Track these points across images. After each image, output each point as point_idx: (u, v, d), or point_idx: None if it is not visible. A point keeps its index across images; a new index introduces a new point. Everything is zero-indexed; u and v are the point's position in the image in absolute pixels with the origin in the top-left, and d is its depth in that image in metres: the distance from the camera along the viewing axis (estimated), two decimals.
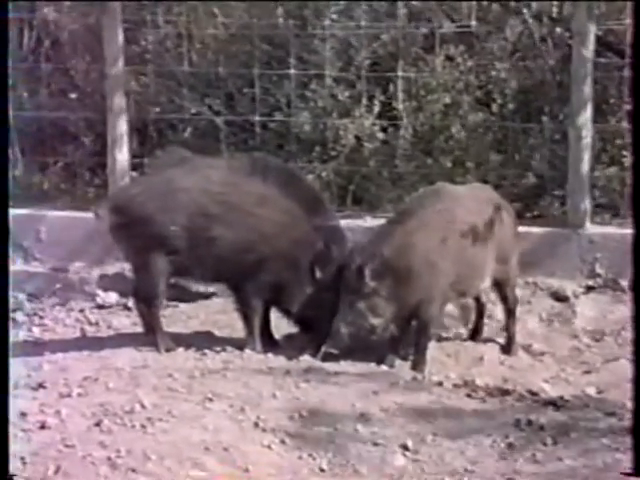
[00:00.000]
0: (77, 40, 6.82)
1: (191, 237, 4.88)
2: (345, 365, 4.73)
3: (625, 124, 6.01)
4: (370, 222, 5.77)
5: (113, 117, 6.07)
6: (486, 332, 5.35)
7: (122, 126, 6.08)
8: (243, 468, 3.76)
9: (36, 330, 5.56)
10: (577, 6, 5.71)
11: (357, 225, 5.73)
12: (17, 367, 4.62)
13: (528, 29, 6.25)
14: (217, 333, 5.29)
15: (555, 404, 4.36)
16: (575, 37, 5.75)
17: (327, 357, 4.79)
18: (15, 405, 4.00)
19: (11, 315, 5.63)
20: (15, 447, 3.69)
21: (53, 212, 6.11)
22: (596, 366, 5.06)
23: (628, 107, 5.99)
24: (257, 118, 6.26)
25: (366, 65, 6.25)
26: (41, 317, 5.72)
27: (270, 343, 5.07)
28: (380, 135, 6.20)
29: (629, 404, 4.34)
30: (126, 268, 5.61)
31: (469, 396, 4.45)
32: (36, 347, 5.13)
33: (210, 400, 4.21)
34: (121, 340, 5.11)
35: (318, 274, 4.94)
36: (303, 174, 5.71)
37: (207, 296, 5.69)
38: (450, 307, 5.25)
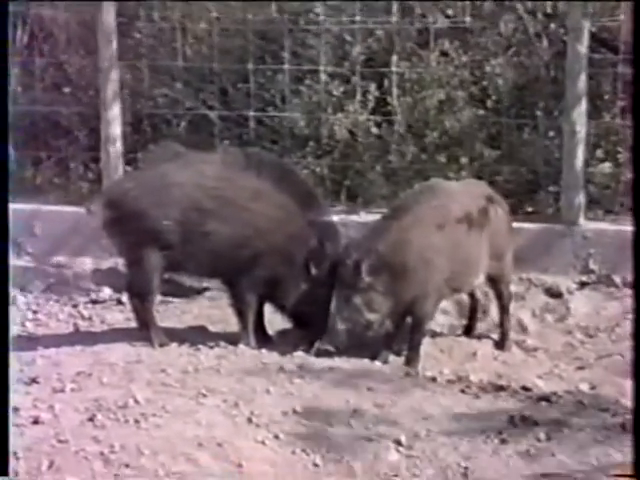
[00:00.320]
0: (71, 34, 6.80)
1: (185, 232, 4.87)
2: (339, 361, 4.72)
3: (619, 120, 6.01)
4: (364, 217, 5.77)
5: (107, 112, 6.06)
6: (480, 328, 5.35)
7: (116, 121, 6.07)
8: (237, 463, 3.77)
9: (29, 325, 5.55)
10: (571, 3, 5.71)
11: (351, 220, 5.73)
12: (10, 362, 4.61)
13: (523, 25, 6.24)
14: (211, 328, 5.28)
15: (548, 400, 4.37)
16: (569, 33, 5.75)
17: (321, 353, 4.79)
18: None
19: None
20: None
21: (46, 207, 6.09)
22: (590, 362, 5.07)
23: (622, 103, 6.00)
24: (251, 113, 6.25)
25: (360, 60, 6.24)
26: (34, 312, 5.71)
27: (264, 339, 5.06)
28: (374, 130, 6.19)
29: (622, 400, 4.36)
30: (119, 263, 5.60)
31: (463, 392, 4.45)
32: (29, 342, 5.12)
33: (204, 395, 4.21)
34: (115, 335, 5.11)
35: (313, 270, 4.93)
36: (297, 169, 5.71)
37: (200, 291, 5.69)
38: (444, 303, 5.25)
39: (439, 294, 4.90)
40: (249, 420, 4.06)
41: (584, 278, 5.62)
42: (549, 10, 6.14)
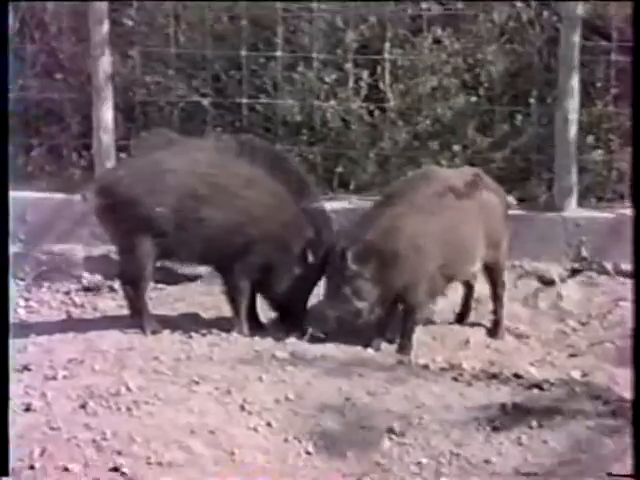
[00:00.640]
0: (62, 21, 6.77)
1: (179, 219, 4.86)
2: (331, 349, 4.72)
3: (612, 107, 6.01)
4: (356, 204, 5.76)
5: (99, 99, 6.04)
6: (472, 315, 5.35)
7: (108, 108, 6.05)
8: (229, 451, 3.77)
9: (21, 312, 5.54)
10: None
11: (342, 207, 5.72)
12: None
13: (516, 12, 6.23)
14: (203, 316, 5.27)
15: (541, 387, 4.38)
16: (562, 21, 5.75)
17: (313, 340, 4.79)
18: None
19: None
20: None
21: (38, 194, 6.07)
22: (582, 349, 5.07)
23: (615, 91, 5.99)
24: (244, 100, 6.23)
25: (353, 47, 6.22)
26: (26, 299, 5.70)
27: (256, 326, 5.06)
28: (367, 117, 6.18)
29: (614, 387, 4.37)
30: (111, 250, 5.59)
31: (455, 379, 4.46)
32: (21, 329, 5.10)
33: (196, 383, 4.21)
34: (107, 322, 5.10)
35: (310, 258, 4.93)
36: (290, 156, 5.70)
37: (193, 278, 5.68)
38: None
39: (432, 282, 4.89)
40: (241, 408, 4.07)
41: (576, 265, 5.63)
42: None
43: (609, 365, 4.74)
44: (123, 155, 6.12)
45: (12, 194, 5.91)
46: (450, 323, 5.29)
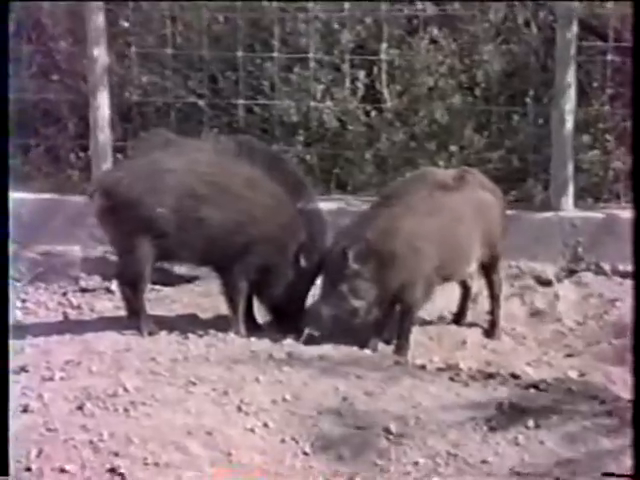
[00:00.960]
0: (59, 21, 6.77)
1: (179, 219, 4.86)
2: (328, 349, 4.73)
3: (608, 108, 6.01)
4: (354, 206, 5.77)
5: (95, 99, 6.04)
6: (469, 316, 5.35)
7: (104, 108, 6.05)
8: (226, 452, 3.78)
9: (18, 313, 5.54)
10: None
11: (339, 208, 5.72)
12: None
13: (512, 12, 6.24)
14: (200, 316, 5.27)
15: (537, 387, 4.38)
16: (559, 21, 5.75)
17: (310, 340, 4.79)
18: None
19: None
20: None
21: (35, 194, 6.07)
22: (578, 349, 5.08)
23: (611, 91, 6.00)
24: (240, 101, 6.24)
25: (350, 48, 6.22)
26: (23, 300, 5.70)
27: (253, 327, 5.06)
28: (363, 118, 6.19)
29: (611, 387, 4.38)
30: (109, 251, 5.60)
31: (452, 380, 4.46)
32: (18, 330, 5.10)
33: (193, 384, 4.21)
34: (104, 323, 5.10)
35: (303, 261, 4.94)
36: (286, 157, 5.70)
37: (190, 279, 5.68)
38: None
39: (428, 282, 4.89)
40: (238, 408, 4.07)
41: (573, 266, 5.64)
42: None
43: (606, 365, 4.75)
44: (120, 156, 6.12)
45: (10, 194, 5.98)
46: (447, 323, 5.30)
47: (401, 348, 4.86)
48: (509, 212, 5.40)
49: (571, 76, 5.70)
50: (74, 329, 5.00)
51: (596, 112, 6.05)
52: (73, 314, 5.49)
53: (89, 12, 6.01)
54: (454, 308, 5.33)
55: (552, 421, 4.03)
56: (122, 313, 5.13)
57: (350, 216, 5.28)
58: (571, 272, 5.62)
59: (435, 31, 6.19)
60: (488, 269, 5.17)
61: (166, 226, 4.85)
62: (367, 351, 4.80)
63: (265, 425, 3.98)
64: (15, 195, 6.00)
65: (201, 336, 4.83)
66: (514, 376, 4.55)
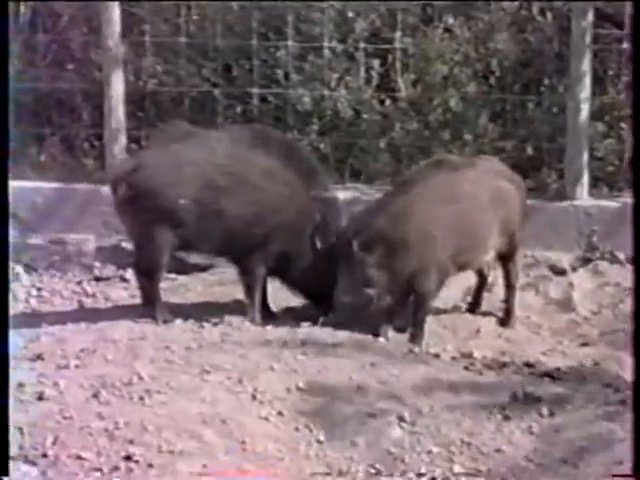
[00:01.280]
0: (74, 11, 6.78)
1: (199, 210, 4.87)
2: (343, 337, 4.73)
3: (623, 96, 5.99)
4: (368, 195, 5.76)
5: (110, 88, 6.04)
6: (483, 304, 5.35)
7: (119, 97, 6.06)
8: (240, 440, 3.79)
9: (34, 302, 5.56)
10: None
11: (353, 197, 5.72)
12: (15, 338, 4.63)
13: (527, 1, 6.21)
14: (214, 305, 5.28)
15: (552, 376, 4.38)
16: (574, 8, 5.72)
17: (325, 327, 4.81)
18: (13, 376, 4.01)
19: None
20: (13, 417, 3.71)
21: (50, 183, 6.09)
22: (593, 338, 5.07)
23: (627, 79, 5.97)
24: (255, 90, 6.23)
25: (364, 37, 6.21)
26: (39, 289, 5.72)
27: (267, 315, 5.07)
28: (378, 107, 6.18)
29: (625, 376, 4.37)
30: (123, 240, 5.61)
31: (466, 368, 4.46)
32: (34, 319, 5.13)
33: (207, 372, 4.22)
34: (118, 312, 5.12)
35: (318, 244, 4.95)
36: (301, 145, 5.71)
37: (204, 268, 5.69)
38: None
39: (443, 270, 4.88)
40: (253, 397, 4.08)
41: (588, 255, 5.62)
42: None
43: (620, 354, 4.74)
44: (134, 145, 6.13)
45: (25, 184, 6.01)
46: (461, 312, 5.29)
47: (415, 337, 4.86)
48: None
49: (586, 64, 5.67)
50: (89, 317, 5.02)
51: (611, 100, 6.02)
52: (88, 302, 5.51)
53: (104, 1, 6.01)
54: (468, 297, 5.32)
55: (566, 410, 4.02)
56: (137, 301, 5.15)
57: (364, 205, 5.28)
58: (586, 261, 5.61)
59: (450, 19, 6.17)
60: (506, 259, 5.15)
61: (186, 217, 4.86)
62: (381, 339, 4.80)
63: (279, 413, 3.99)
64: (31, 184, 6.06)
65: (216, 324, 4.85)
66: (528, 365, 4.55)
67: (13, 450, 3.59)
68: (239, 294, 5.12)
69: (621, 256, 5.56)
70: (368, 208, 4.95)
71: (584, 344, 5.01)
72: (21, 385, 4.01)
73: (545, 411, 4.02)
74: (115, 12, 6.01)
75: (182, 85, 6.39)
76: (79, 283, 5.77)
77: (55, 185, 6.07)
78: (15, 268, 5.82)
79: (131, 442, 3.69)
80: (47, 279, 5.83)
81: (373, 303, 4.82)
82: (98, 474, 3.55)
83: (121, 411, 3.86)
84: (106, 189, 5.34)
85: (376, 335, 4.81)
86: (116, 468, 3.58)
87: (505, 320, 5.20)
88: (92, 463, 3.59)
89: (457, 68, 6.15)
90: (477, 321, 5.19)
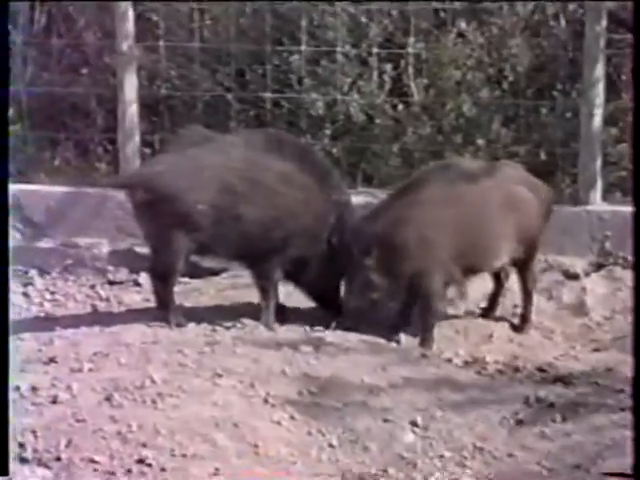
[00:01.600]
0: (88, 16, 6.81)
1: (216, 215, 4.88)
2: (355, 341, 4.73)
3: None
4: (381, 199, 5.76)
5: (123, 93, 6.07)
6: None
7: (133, 102, 6.08)
8: (252, 444, 3.79)
9: (47, 305, 5.58)
10: None
11: (366, 202, 5.72)
12: (29, 342, 4.66)
13: (540, 5, 6.21)
14: (227, 309, 5.29)
15: (564, 381, 4.37)
16: (588, 13, 5.72)
17: (338, 331, 4.82)
18: (26, 379, 4.04)
19: (22, 290, 5.67)
20: (27, 421, 3.74)
21: (64, 188, 6.11)
22: (606, 344, 5.06)
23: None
24: (268, 94, 6.25)
25: (377, 41, 6.22)
26: (52, 292, 5.74)
27: (281, 317, 5.07)
28: (390, 112, 6.18)
29: None
30: (136, 244, 5.63)
31: (479, 373, 4.46)
32: (47, 322, 5.15)
33: (220, 376, 4.23)
34: (132, 316, 5.13)
35: (334, 248, 4.97)
36: (315, 149, 5.72)
37: (217, 272, 5.70)
38: None
39: (446, 273, 4.86)
40: (265, 400, 4.08)
41: (600, 260, 5.61)
42: None
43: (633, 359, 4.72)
44: (147, 149, 6.15)
45: (39, 188, 6.03)
46: (474, 317, 5.29)
47: (425, 340, 4.85)
48: None
49: (600, 69, 5.66)
50: (102, 321, 5.03)
51: (625, 105, 6.01)
52: (101, 306, 5.52)
53: (118, 6, 6.03)
54: (481, 302, 5.32)
55: (579, 415, 4.02)
56: (150, 305, 5.16)
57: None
58: (599, 266, 5.59)
59: (463, 24, 6.17)
60: (521, 265, 5.11)
61: (203, 221, 4.87)
62: (393, 344, 4.80)
63: (291, 417, 4.00)
64: (45, 188, 6.08)
65: (228, 328, 4.86)
66: (541, 370, 4.54)
67: (27, 453, 3.62)
68: (252, 298, 5.12)
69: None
70: (369, 213, 4.95)
71: (597, 349, 5.00)
72: (35, 388, 4.03)
73: (558, 416, 4.02)
74: (129, 17, 6.04)
75: (196, 90, 6.41)
76: (92, 287, 5.79)
77: (69, 189, 6.09)
78: (29, 272, 5.85)
79: (144, 445, 3.70)
80: (61, 283, 5.85)
81: (376, 307, 4.82)
82: (111, 477, 3.56)
83: (134, 414, 3.87)
84: (120, 193, 5.37)
85: (389, 339, 4.82)
86: (129, 471, 3.58)
87: (520, 326, 5.17)
88: (105, 466, 3.59)
89: (470, 73, 6.15)
90: (489, 326, 5.18)
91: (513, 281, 5.26)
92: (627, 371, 4.54)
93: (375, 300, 4.81)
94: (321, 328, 4.85)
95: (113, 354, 4.43)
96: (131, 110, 6.08)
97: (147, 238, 5.10)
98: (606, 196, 5.79)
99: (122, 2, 6.01)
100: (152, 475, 3.57)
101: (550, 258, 5.60)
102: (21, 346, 4.49)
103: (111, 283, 5.81)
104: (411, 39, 6.14)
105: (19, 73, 6.40)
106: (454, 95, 6.14)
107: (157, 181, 4.87)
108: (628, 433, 3.84)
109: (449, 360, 4.62)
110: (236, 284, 5.47)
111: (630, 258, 5.55)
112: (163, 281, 4.97)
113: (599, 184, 5.73)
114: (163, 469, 3.60)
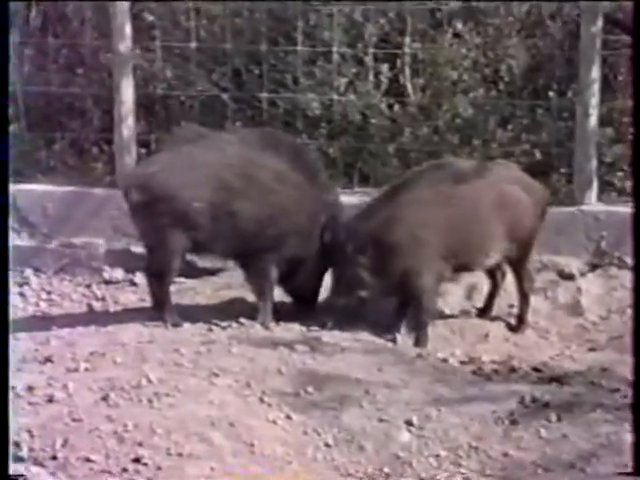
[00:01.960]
0: (84, 15, 6.80)
1: (212, 213, 4.89)
2: (351, 341, 4.74)
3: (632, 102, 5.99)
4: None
5: (120, 93, 6.06)
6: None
7: (129, 102, 6.08)
8: (248, 443, 3.79)
9: (43, 305, 5.58)
10: None
11: (362, 202, 5.72)
12: (25, 341, 4.66)
13: (536, 5, 6.22)
14: (223, 308, 5.30)
15: (560, 381, 4.38)
16: (584, 14, 5.73)
17: (332, 331, 4.83)
18: (23, 379, 4.04)
19: (19, 290, 5.67)
20: (23, 420, 3.73)
21: (60, 187, 6.11)
22: (601, 344, 5.07)
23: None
24: (264, 94, 6.25)
25: (373, 42, 6.22)
26: (48, 292, 5.74)
27: (276, 317, 5.07)
28: (387, 112, 6.19)
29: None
30: (132, 244, 5.63)
31: (474, 373, 4.46)
32: (43, 322, 5.15)
33: (216, 375, 4.23)
34: (128, 315, 5.14)
35: (326, 246, 4.99)
36: (308, 148, 5.73)
37: (213, 272, 5.71)
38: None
39: (436, 272, 4.88)
40: (261, 400, 4.09)
41: (596, 260, 5.62)
42: None
43: (628, 358, 4.73)
44: (143, 149, 6.15)
45: (34, 187, 6.03)
46: (469, 317, 5.29)
47: (420, 340, 4.87)
48: None
49: (596, 70, 5.67)
50: (98, 321, 5.04)
51: (620, 106, 6.02)
52: (98, 306, 5.53)
53: (114, 6, 6.03)
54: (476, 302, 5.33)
55: (574, 415, 4.02)
56: (146, 305, 5.17)
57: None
58: (594, 266, 5.60)
59: (459, 25, 6.18)
60: (516, 264, 5.12)
61: (199, 219, 4.88)
62: (389, 344, 4.81)
63: (287, 417, 4.00)
64: (40, 188, 6.08)
65: (224, 328, 4.86)
66: (537, 370, 4.55)
67: (23, 452, 3.61)
68: (248, 297, 5.13)
69: (629, 261, 5.56)
70: (361, 212, 4.96)
71: (592, 349, 5.01)
72: (31, 388, 4.03)
73: (553, 416, 4.02)
74: (125, 17, 6.04)
75: (192, 90, 6.41)
76: (89, 286, 5.79)
77: (65, 189, 6.09)
78: (25, 271, 5.85)
79: (140, 445, 3.70)
80: (57, 282, 5.85)
81: (365, 305, 4.84)
82: (107, 476, 3.56)
83: (130, 414, 3.87)
84: (117, 192, 5.37)
85: (385, 339, 4.82)
86: (125, 470, 3.58)
87: (517, 326, 5.18)
88: (101, 465, 3.59)
89: (466, 73, 6.16)
90: (485, 326, 5.19)
91: (509, 281, 5.26)
92: (622, 371, 4.55)
93: (362, 297, 4.83)
94: (317, 328, 4.86)
95: (109, 353, 4.43)
96: (127, 110, 6.08)
97: (143, 238, 5.10)
98: (601, 196, 5.80)
99: (118, 2, 6.01)
100: (148, 474, 3.57)
101: (545, 258, 5.61)
102: (17, 346, 4.49)
103: (107, 283, 5.81)
104: (407, 39, 6.15)
105: (15, 73, 6.39)
106: (450, 95, 6.15)
107: (152, 181, 4.87)
108: (623, 432, 3.85)
109: (445, 360, 4.62)
110: (232, 284, 5.47)
111: (625, 258, 5.56)
112: (159, 280, 4.98)
113: (595, 184, 5.74)
114: (159, 468, 3.60)
